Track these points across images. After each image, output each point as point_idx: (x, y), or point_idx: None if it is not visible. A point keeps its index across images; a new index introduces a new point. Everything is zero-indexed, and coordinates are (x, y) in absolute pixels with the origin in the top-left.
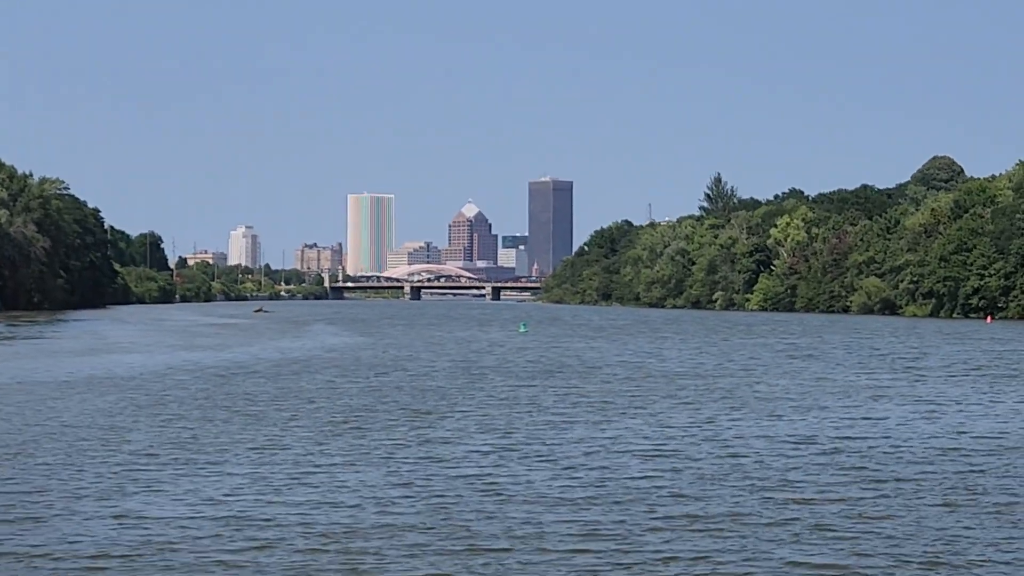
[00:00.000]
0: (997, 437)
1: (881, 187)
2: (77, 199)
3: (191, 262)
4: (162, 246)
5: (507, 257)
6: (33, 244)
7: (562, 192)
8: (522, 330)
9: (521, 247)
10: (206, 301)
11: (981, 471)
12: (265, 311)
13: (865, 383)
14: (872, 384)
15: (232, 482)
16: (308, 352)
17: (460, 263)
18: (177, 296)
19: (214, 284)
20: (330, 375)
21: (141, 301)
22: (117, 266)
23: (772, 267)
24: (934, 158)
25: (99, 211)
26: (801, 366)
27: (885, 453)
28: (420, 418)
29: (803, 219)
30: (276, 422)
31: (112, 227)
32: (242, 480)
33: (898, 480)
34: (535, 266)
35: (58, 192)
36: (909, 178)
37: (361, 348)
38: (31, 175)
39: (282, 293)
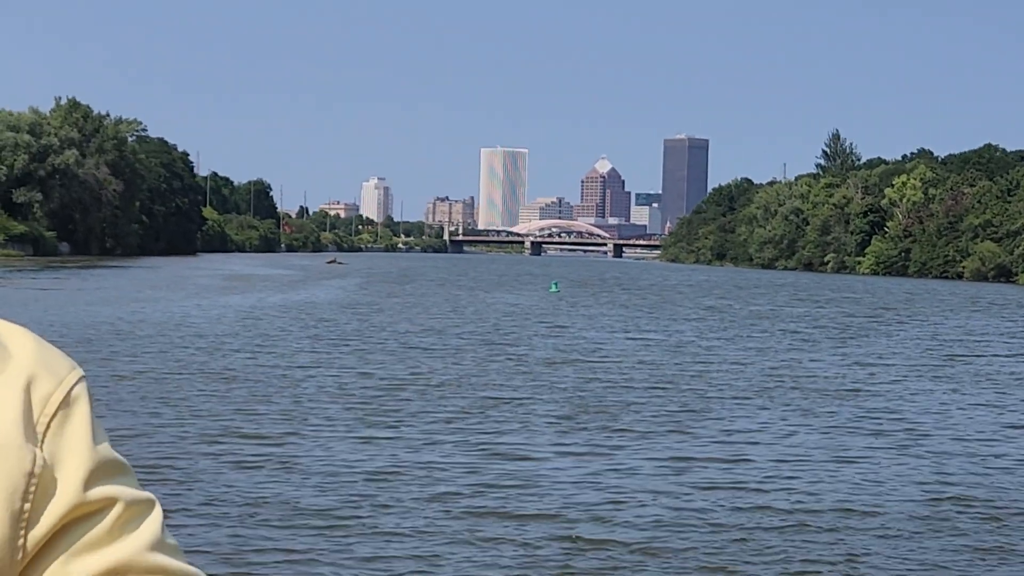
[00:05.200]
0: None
1: (1012, 149)
2: (166, 143)
3: (322, 211)
4: (271, 194)
5: (640, 215)
6: (105, 187)
7: (697, 150)
8: (553, 290)
9: (654, 205)
10: (315, 251)
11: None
12: (339, 262)
13: (838, 383)
14: (841, 387)
15: None
16: (250, 310)
17: (592, 219)
18: (283, 245)
19: (325, 235)
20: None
21: (241, 249)
22: (216, 214)
23: (886, 229)
24: None
25: (188, 155)
26: (783, 353)
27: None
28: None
29: (920, 179)
30: None
31: (215, 173)
32: None
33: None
34: (668, 224)
35: (136, 133)
36: None
37: (316, 309)
38: (107, 115)
39: (400, 245)
